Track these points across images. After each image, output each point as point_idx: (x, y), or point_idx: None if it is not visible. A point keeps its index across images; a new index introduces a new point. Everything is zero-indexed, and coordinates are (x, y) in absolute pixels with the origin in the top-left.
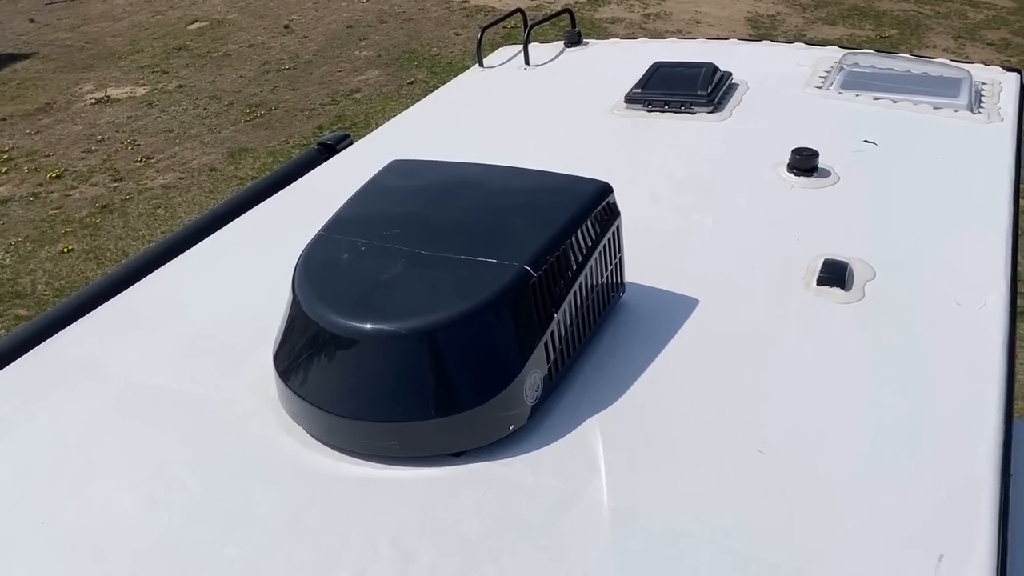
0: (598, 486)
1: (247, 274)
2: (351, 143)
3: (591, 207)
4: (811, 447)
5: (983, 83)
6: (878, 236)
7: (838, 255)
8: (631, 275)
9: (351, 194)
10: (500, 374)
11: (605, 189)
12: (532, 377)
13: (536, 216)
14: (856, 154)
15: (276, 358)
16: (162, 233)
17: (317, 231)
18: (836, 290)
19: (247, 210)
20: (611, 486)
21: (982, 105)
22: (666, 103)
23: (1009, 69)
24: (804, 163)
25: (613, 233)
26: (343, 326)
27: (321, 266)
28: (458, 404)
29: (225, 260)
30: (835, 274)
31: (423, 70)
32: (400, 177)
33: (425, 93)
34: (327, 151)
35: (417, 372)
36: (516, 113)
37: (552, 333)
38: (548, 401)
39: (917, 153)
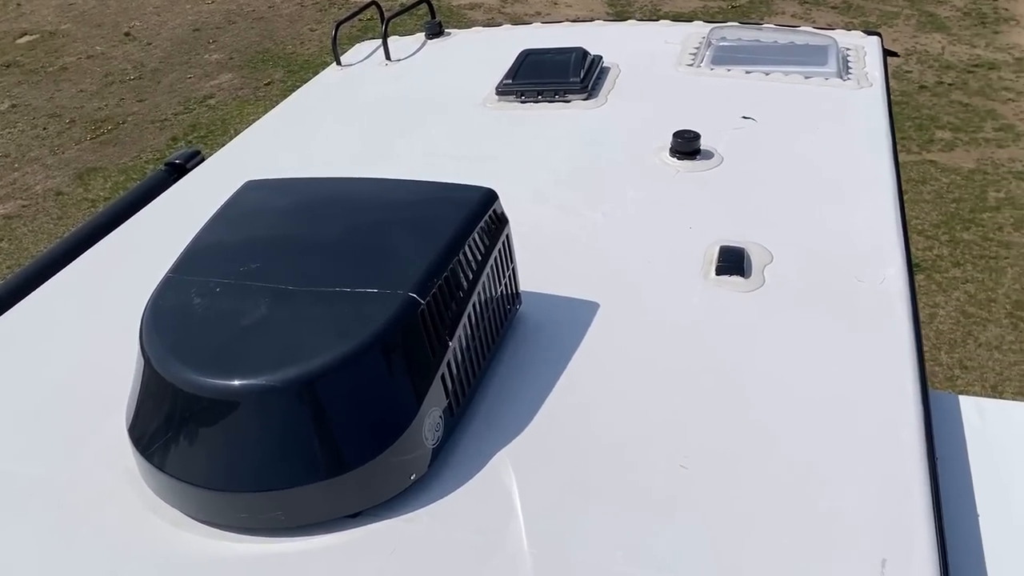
0: (517, 532)
1: (89, 327)
2: (203, 160)
3: (477, 218)
4: (735, 455)
5: (848, 49)
6: (769, 217)
7: (733, 241)
8: (525, 284)
9: (203, 224)
10: (394, 420)
11: (490, 196)
12: (431, 417)
13: (417, 234)
14: (736, 132)
15: (131, 428)
16: (9, 269)
17: (165, 273)
18: (736, 278)
19: (86, 248)
20: (532, 531)
21: (850, 71)
22: (539, 92)
23: (870, 32)
24: (686, 146)
25: (503, 243)
26: (204, 385)
27: (171, 315)
28: (348, 460)
29: (63, 311)
30: (733, 262)
31: (279, 70)
32: (256, 201)
33: (284, 94)
34: (176, 171)
35: (297, 430)
36: (381, 114)
37: (448, 364)
38: (451, 440)
39: (795, 126)
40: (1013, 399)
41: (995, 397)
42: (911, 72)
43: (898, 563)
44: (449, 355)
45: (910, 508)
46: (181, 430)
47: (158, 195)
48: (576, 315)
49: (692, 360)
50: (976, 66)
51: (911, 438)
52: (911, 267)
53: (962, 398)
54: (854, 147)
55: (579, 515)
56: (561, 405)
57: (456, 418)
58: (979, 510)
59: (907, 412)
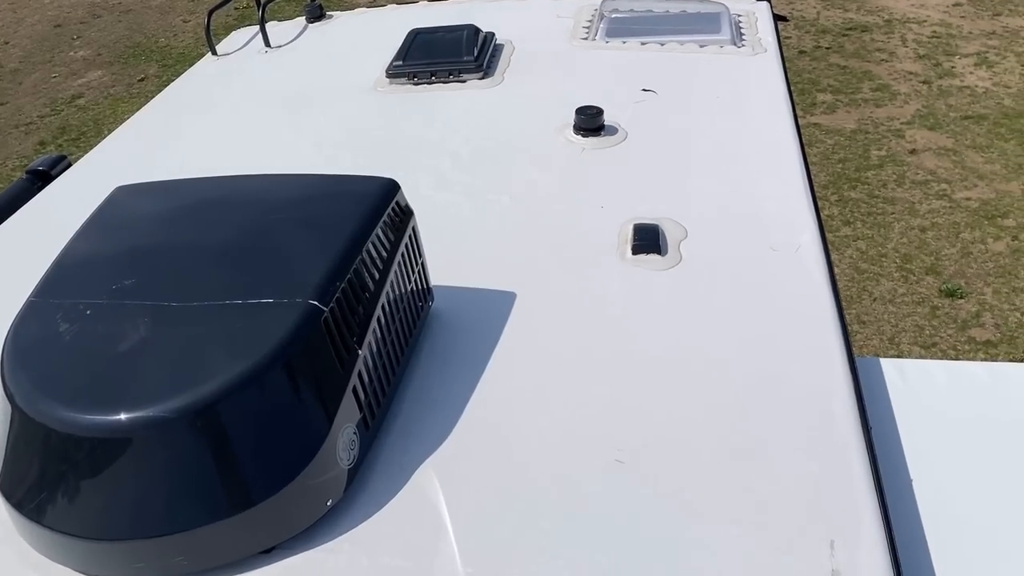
0: (449, 553)
1: None
2: (69, 165)
3: (379, 211)
4: (671, 443)
5: (739, 15)
6: (680, 191)
7: (646, 218)
8: (435, 278)
9: (69, 237)
10: (303, 442)
11: (391, 187)
12: (344, 435)
13: (313, 234)
14: (638, 105)
15: (1, 479)
16: None
17: (27, 297)
18: (653, 256)
19: None
20: (465, 550)
21: (744, 38)
22: (432, 73)
23: None
24: (590, 123)
25: (410, 237)
26: (80, 422)
27: (37, 345)
28: (256, 492)
29: None
30: (649, 240)
31: (153, 64)
32: (129, 208)
33: (160, 89)
34: (40, 179)
35: (194, 464)
36: (264, 105)
37: (360, 374)
38: (368, 457)
39: (695, 96)
40: (911, 350)
41: (893, 349)
42: (790, 38)
43: (846, 543)
44: (359, 365)
45: (852, 485)
46: (59, 476)
47: (19, 207)
48: (492, 307)
49: (617, 346)
50: (850, 29)
51: (844, 410)
52: (824, 233)
53: (883, 361)
54: (755, 114)
55: (515, 527)
56: (485, 406)
57: (372, 433)
58: (912, 474)
59: (838, 384)
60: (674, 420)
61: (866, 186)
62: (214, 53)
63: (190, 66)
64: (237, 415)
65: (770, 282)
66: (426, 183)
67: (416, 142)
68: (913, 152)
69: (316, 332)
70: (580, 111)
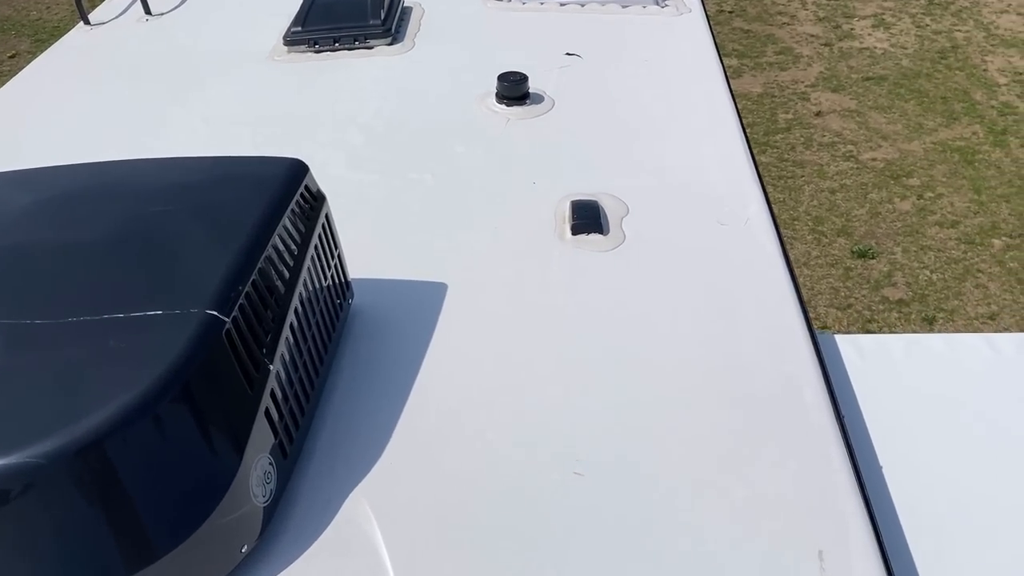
0: None
1: None
2: None
3: (285, 198)
4: (633, 451)
5: None
6: (616, 163)
7: (583, 193)
8: (354, 270)
9: None
10: (209, 481)
11: (298, 169)
12: (258, 467)
13: (208, 228)
14: (563, 71)
15: None
16: None
17: None
18: (595, 236)
19: None
20: None
21: None
22: (335, 39)
23: None
24: (514, 90)
25: (323, 226)
26: None
27: None
28: (156, 545)
29: None
30: (589, 218)
31: (25, 39)
32: None
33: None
34: None
35: (77, 518)
36: (145, 78)
37: (272, 393)
38: (289, 489)
39: (623, 60)
40: (828, 312)
41: (811, 312)
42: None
43: (836, 553)
44: (272, 383)
45: (835, 487)
46: None
47: None
48: (420, 302)
49: (564, 341)
50: None
51: (817, 400)
52: (770, 201)
53: (839, 337)
54: (687, 78)
55: (464, 560)
56: (420, 418)
57: (291, 460)
58: (881, 461)
59: (807, 371)
60: (635, 423)
61: (775, 150)
62: (86, 23)
63: None
64: (126, 455)
65: (721, 260)
66: (336, 162)
67: (322, 116)
68: (819, 114)
69: (217, 348)
70: (502, 78)
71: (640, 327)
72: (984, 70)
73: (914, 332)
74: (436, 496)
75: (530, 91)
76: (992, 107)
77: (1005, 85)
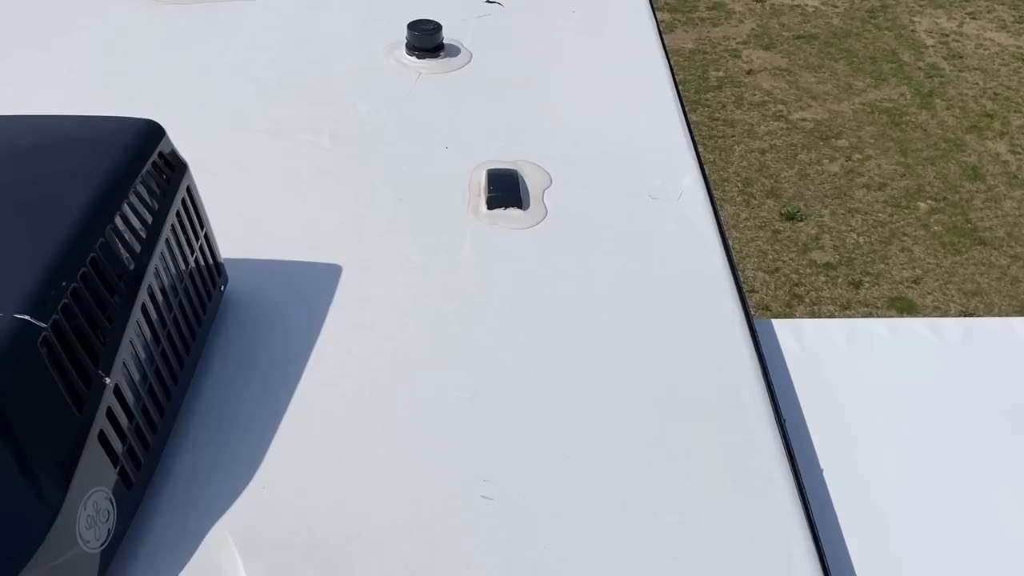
0: None
1: None
2: None
3: (133, 168)
4: (550, 466)
5: None
6: (538, 127)
7: (501, 161)
8: (229, 250)
9: None
10: (21, 525)
11: (151, 132)
12: (91, 505)
13: (32, 208)
14: (481, 20)
15: None
16: None
17: None
18: (513, 211)
19: None
20: None
21: None
22: None
23: None
24: (426, 41)
25: (184, 200)
26: None
27: None
28: None
29: None
30: (507, 190)
31: None
32: None
33: None
34: None
35: None
36: (7, 21)
37: (111, 411)
38: (136, 523)
39: (548, 10)
40: (755, 276)
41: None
42: None
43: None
44: (109, 398)
45: (776, 508)
46: None
47: None
48: (309, 286)
49: (473, 335)
50: None
51: (755, 403)
52: (705, 171)
53: (776, 322)
54: (619, 33)
55: None
56: (303, 427)
57: (138, 489)
58: (822, 463)
59: (744, 369)
60: (551, 435)
61: (706, 108)
62: None
63: None
64: None
65: (652, 241)
66: (219, 121)
67: (206, 67)
68: (750, 73)
69: (30, 360)
70: (413, 26)
71: (560, 320)
72: (912, 31)
73: (841, 295)
74: (317, 528)
75: (444, 42)
76: (919, 68)
77: (932, 46)
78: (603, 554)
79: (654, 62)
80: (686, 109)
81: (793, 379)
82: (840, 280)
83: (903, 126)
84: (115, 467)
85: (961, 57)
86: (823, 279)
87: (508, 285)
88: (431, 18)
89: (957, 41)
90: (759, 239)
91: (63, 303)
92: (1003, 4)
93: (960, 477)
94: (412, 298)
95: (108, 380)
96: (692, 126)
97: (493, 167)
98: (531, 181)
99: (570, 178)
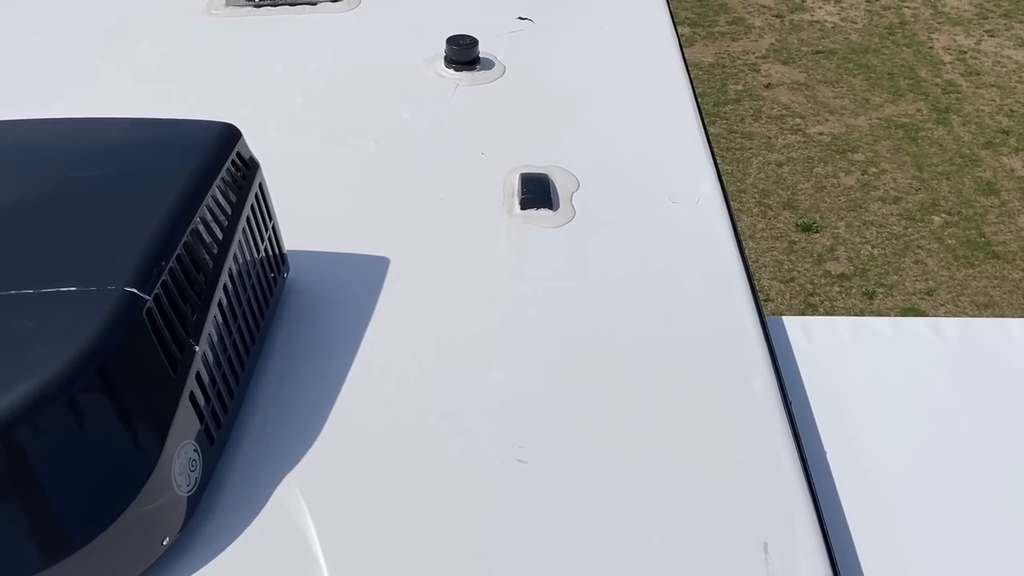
0: None
1: None
2: None
3: (215, 165)
4: (579, 437)
5: None
6: (567, 134)
7: (533, 166)
8: (290, 242)
9: None
10: (127, 470)
11: (230, 134)
12: (181, 454)
13: (130, 197)
14: (514, 36)
15: None
16: None
17: None
18: (544, 211)
19: None
20: None
21: None
22: None
23: None
24: (463, 55)
25: (256, 195)
26: None
27: None
28: (71, 538)
29: None
30: (538, 192)
31: None
32: None
33: None
34: None
35: None
36: (66, 29)
37: (199, 376)
38: (216, 477)
39: (576, 26)
40: (771, 285)
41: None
42: None
43: (781, 546)
44: (197, 364)
45: (782, 477)
46: None
47: None
48: (360, 276)
49: (510, 321)
50: None
51: (765, 388)
52: (722, 178)
53: (786, 319)
54: (642, 48)
55: (402, 552)
56: (358, 401)
57: (218, 447)
58: (826, 446)
59: (755, 357)
60: (579, 408)
61: (725, 121)
62: None
63: None
64: (36, 443)
65: (672, 241)
66: (275, 126)
67: (261, 76)
68: (768, 86)
69: (137, 328)
70: (452, 41)
71: (587, 309)
72: (930, 47)
73: (854, 305)
74: (372, 485)
75: (480, 56)
76: (936, 85)
77: (950, 63)
78: (623, 510)
79: (675, 75)
80: (705, 120)
81: (800, 370)
82: (854, 290)
83: (919, 141)
84: (201, 424)
85: (978, 74)
86: (837, 289)
87: (539, 278)
88: (468, 34)
89: (975, 58)
90: (775, 249)
91: (162, 280)
92: (1021, 23)
93: (949, 458)
94: (453, 287)
95: (197, 348)
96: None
97: (526, 171)
98: (561, 184)
99: (597, 182)
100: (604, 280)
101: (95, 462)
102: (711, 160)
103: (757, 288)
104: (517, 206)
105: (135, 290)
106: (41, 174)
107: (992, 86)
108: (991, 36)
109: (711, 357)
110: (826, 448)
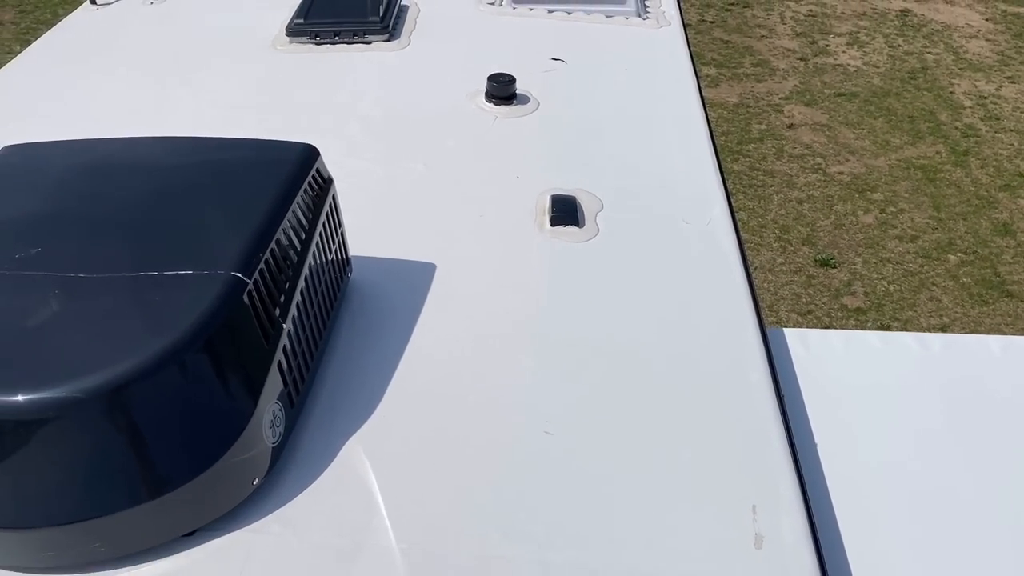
0: (381, 528)
1: None
2: None
3: (299, 178)
4: (597, 416)
5: None
6: (593, 162)
7: (562, 189)
8: (352, 247)
9: None
10: (228, 421)
11: (311, 153)
12: (270, 412)
13: (232, 201)
14: (548, 75)
15: None
16: None
17: None
18: (571, 228)
19: None
20: (398, 525)
21: (648, 10)
22: (336, 33)
23: None
24: (502, 90)
25: (331, 206)
26: None
27: None
28: (178, 474)
29: None
30: (567, 211)
31: (9, 10)
32: (24, 170)
33: (17, 37)
34: None
35: (110, 447)
36: (152, 60)
37: (284, 349)
38: (294, 433)
39: (604, 66)
40: (789, 317)
41: (772, 316)
42: None
43: (767, 508)
44: (284, 339)
45: (771, 453)
46: None
47: None
48: (412, 278)
49: (539, 319)
50: (732, 5)
51: (760, 381)
52: (732, 205)
53: (787, 331)
54: (663, 87)
55: (448, 499)
56: (410, 380)
57: (297, 409)
58: (816, 438)
59: (753, 357)
60: (599, 394)
61: (747, 159)
62: (93, 2)
63: (52, 12)
64: (156, 395)
65: (684, 256)
66: (336, 149)
67: (322, 105)
68: (791, 127)
69: (240, 305)
70: (492, 79)
71: (606, 314)
72: (951, 92)
73: None
74: (422, 446)
75: (517, 92)
76: (956, 128)
77: (970, 107)
78: (635, 479)
79: (692, 112)
80: (719, 151)
81: (796, 375)
82: (869, 324)
83: (937, 182)
84: (285, 388)
85: (998, 119)
86: (853, 323)
87: (566, 286)
88: (507, 72)
89: (995, 103)
90: (794, 283)
91: (260, 268)
92: None
93: (926, 451)
94: (491, 292)
95: (285, 325)
96: (734, 175)
97: (556, 193)
98: (586, 205)
99: (618, 204)
100: (623, 290)
101: (202, 414)
102: (722, 186)
103: (759, 301)
104: (548, 223)
105: (239, 275)
106: (159, 182)
107: (1011, 131)
108: (1011, 82)
109: (714, 356)
110: (816, 440)
